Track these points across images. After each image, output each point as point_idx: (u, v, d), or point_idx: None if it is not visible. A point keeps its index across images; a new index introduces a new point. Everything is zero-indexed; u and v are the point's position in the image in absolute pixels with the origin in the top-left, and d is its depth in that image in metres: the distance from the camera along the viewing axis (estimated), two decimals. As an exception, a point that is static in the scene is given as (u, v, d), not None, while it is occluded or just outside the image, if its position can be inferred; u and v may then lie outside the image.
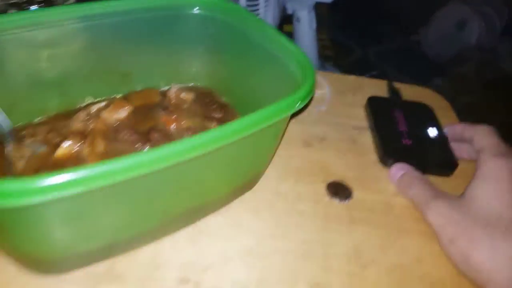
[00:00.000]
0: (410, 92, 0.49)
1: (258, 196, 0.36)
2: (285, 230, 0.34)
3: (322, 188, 0.38)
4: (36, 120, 0.36)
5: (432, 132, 0.43)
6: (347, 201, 0.37)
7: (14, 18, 0.34)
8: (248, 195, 0.36)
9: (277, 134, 0.33)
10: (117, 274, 0.29)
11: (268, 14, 0.92)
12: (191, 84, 0.42)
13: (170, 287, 0.29)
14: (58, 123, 0.35)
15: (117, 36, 0.37)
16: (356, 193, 0.38)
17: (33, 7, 0.38)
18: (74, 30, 0.36)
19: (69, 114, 0.36)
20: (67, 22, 0.35)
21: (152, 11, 0.37)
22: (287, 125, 0.36)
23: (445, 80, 1.52)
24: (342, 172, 0.40)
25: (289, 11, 1.02)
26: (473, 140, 0.37)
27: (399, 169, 0.38)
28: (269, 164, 0.37)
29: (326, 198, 0.37)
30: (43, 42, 0.35)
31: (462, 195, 0.34)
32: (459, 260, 0.31)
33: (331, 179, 0.39)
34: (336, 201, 0.37)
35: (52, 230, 0.25)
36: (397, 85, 0.50)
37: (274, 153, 0.37)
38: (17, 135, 0.34)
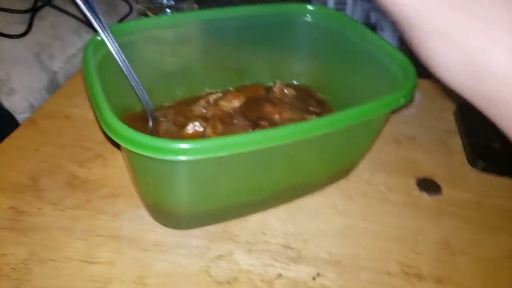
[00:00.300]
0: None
1: (351, 184, 0.40)
2: (376, 216, 0.37)
3: (412, 183, 0.40)
4: (166, 104, 0.43)
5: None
6: (436, 196, 0.39)
7: (152, 21, 0.41)
8: (342, 182, 0.40)
9: (377, 129, 0.36)
10: (230, 236, 0.35)
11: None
12: (292, 82, 0.47)
13: (275, 250, 0.34)
14: (183, 108, 0.42)
15: (235, 38, 0.43)
16: (445, 190, 0.40)
17: (167, 12, 0.46)
18: (198, 31, 0.43)
19: (190, 101, 0.43)
20: (193, 24, 0.42)
21: (269, 17, 0.42)
22: (386, 122, 0.39)
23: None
24: (431, 170, 0.42)
25: (373, 20, 1.04)
26: None
27: None
28: (364, 156, 0.41)
29: (416, 191, 0.40)
30: (173, 40, 0.42)
31: None
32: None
33: (421, 175, 0.41)
34: (425, 195, 0.39)
35: (184, 187, 0.31)
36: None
37: (371, 146, 0.40)
38: (152, 115, 0.41)
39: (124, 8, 0.75)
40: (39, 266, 0.31)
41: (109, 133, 0.26)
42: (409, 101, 0.32)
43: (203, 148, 0.25)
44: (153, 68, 0.42)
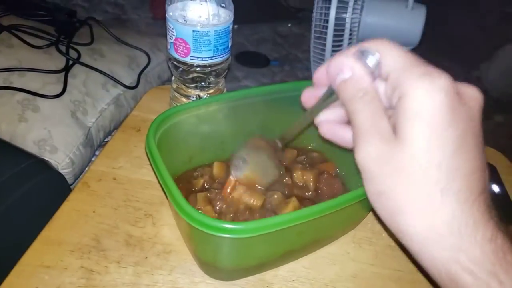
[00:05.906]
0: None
1: (359, 233, 0.48)
2: (381, 260, 0.46)
3: (408, 230, 0.49)
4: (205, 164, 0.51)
5: (495, 188, 0.53)
6: (428, 241, 0.48)
7: (193, 104, 0.48)
8: (352, 232, 0.48)
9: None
10: (266, 284, 0.43)
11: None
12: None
13: (304, 295, 0.42)
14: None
15: (260, 110, 0.51)
16: (435, 235, 0.49)
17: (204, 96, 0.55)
18: (229, 107, 0.50)
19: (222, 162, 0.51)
20: (224, 103, 0.49)
21: (288, 92, 0.51)
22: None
23: (508, 117, 1.55)
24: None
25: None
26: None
27: (347, 67, 0.26)
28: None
29: (411, 237, 0.49)
30: (209, 116, 0.49)
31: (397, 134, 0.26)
32: (387, 218, 0.27)
33: (414, 222, 0.50)
34: (419, 241, 0.48)
35: (231, 252, 0.39)
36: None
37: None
38: (192, 174, 0.49)
39: (144, 60, 0.82)
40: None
41: (181, 214, 0.34)
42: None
43: (245, 229, 0.33)
44: (194, 139, 0.49)
